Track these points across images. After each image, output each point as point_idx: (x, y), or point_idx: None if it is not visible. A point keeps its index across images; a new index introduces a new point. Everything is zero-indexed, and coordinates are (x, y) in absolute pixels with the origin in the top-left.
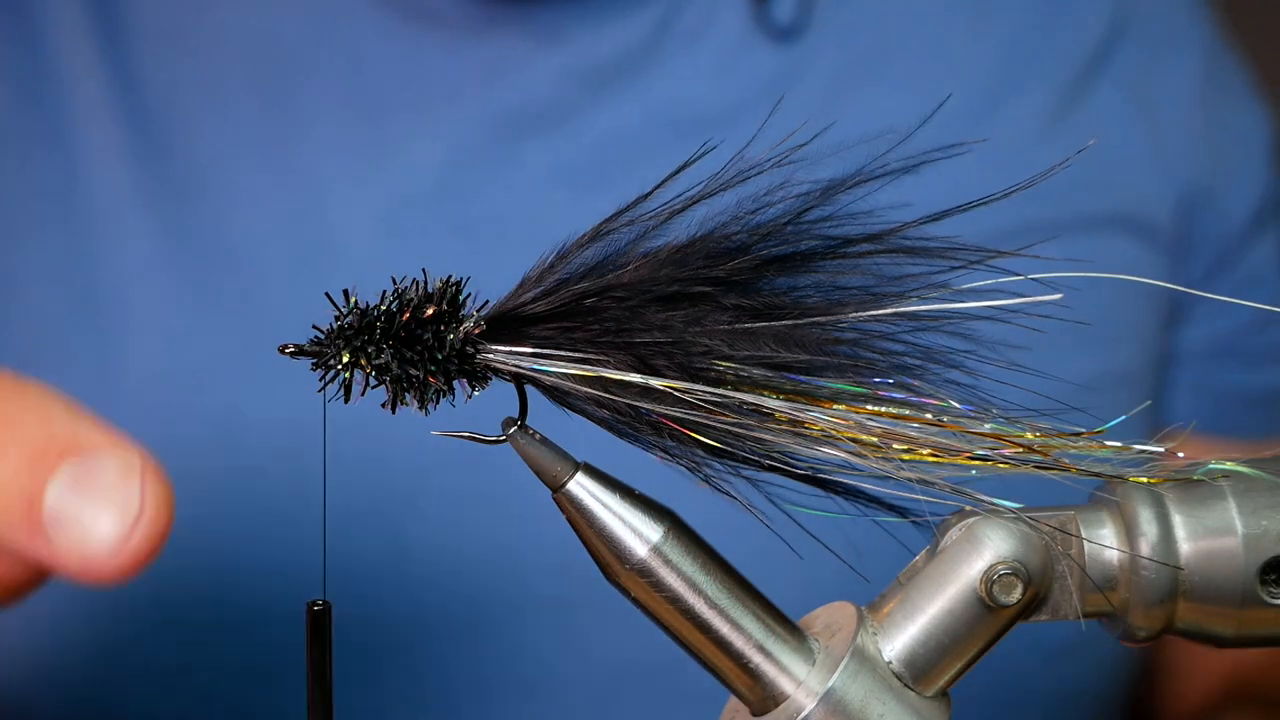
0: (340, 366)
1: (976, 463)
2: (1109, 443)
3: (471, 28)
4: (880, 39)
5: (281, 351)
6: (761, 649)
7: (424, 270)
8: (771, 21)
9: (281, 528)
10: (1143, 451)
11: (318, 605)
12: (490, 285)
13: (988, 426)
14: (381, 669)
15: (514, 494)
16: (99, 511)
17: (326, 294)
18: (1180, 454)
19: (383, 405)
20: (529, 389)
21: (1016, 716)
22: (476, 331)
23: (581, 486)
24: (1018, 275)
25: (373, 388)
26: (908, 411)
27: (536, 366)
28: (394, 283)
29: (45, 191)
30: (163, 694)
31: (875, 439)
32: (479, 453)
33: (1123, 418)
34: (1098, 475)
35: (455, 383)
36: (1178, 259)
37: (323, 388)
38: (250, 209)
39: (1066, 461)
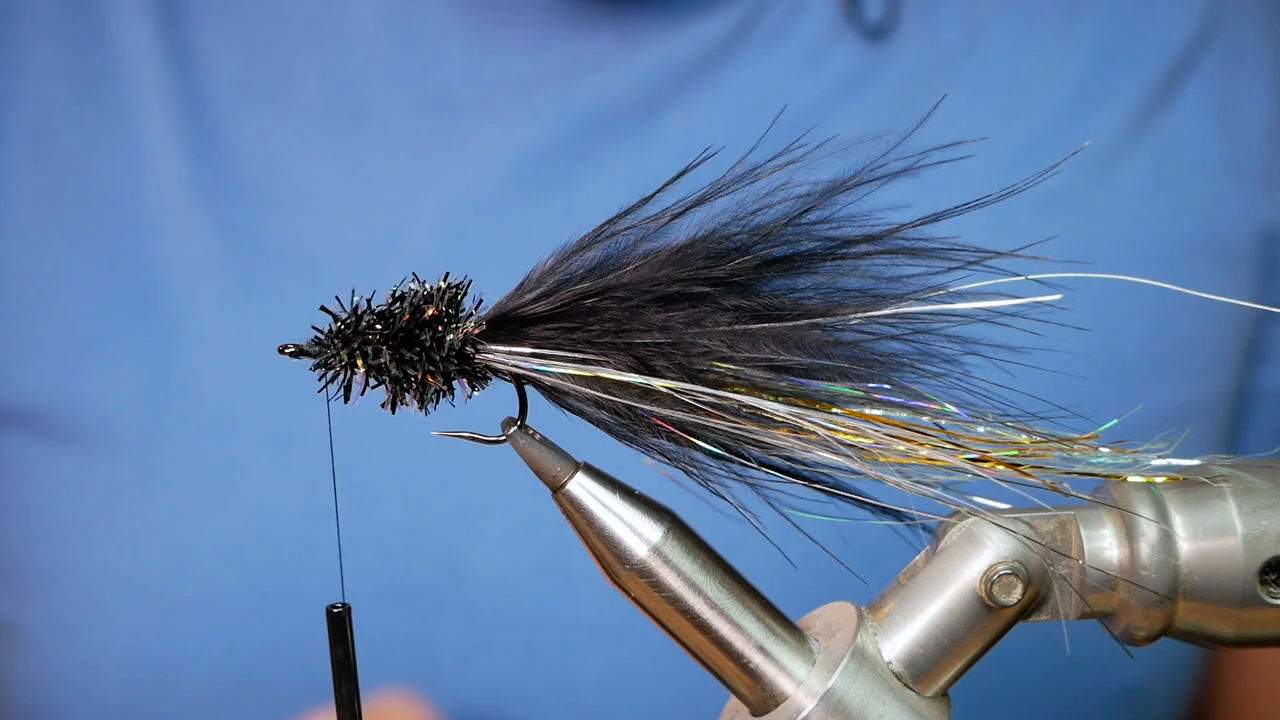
0: (340, 367)
1: (970, 465)
2: (1104, 448)
3: (547, 27)
4: (969, 38)
5: (281, 351)
6: (761, 649)
7: (414, 274)
8: (862, 19)
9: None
10: (1142, 453)
11: (336, 608)
12: None
13: (982, 430)
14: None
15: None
16: None
17: (326, 305)
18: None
19: (382, 405)
20: (529, 389)
21: None
22: (476, 332)
23: (581, 487)
24: (1017, 276)
25: (373, 388)
26: (904, 416)
27: (536, 367)
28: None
29: (101, 189)
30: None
31: (871, 442)
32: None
33: (1115, 421)
34: (1094, 476)
35: (455, 383)
36: (1262, 282)
37: (323, 388)
38: (311, 208)
39: (1063, 464)
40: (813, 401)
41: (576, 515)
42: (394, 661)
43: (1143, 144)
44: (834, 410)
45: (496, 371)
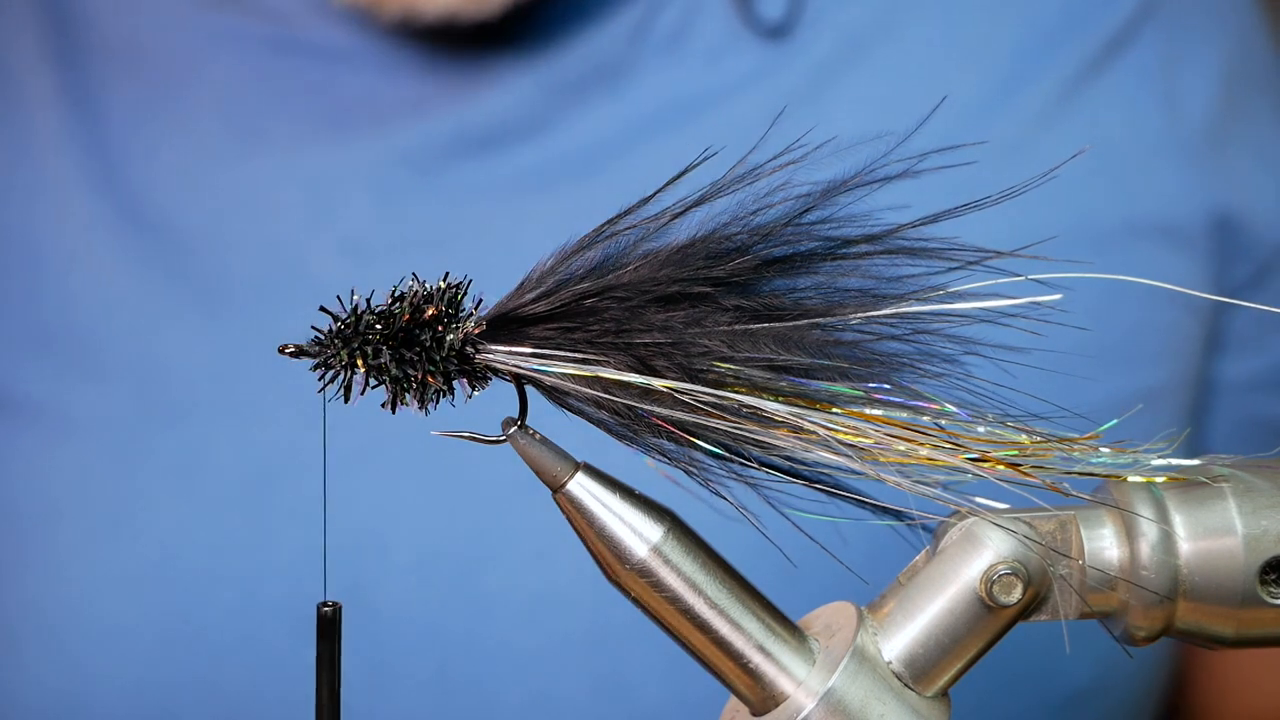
0: (340, 367)
1: (970, 465)
2: (1105, 448)
3: (439, 44)
4: (882, 23)
5: (281, 351)
6: (761, 649)
7: (413, 273)
8: (758, 20)
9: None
10: (1143, 453)
11: (327, 607)
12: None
13: (982, 429)
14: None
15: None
16: None
17: (325, 307)
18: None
19: (382, 405)
20: (529, 389)
21: None
22: (476, 332)
23: (581, 487)
24: (1018, 276)
25: (373, 388)
26: (904, 416)
27: (536, 367)
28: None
29: (5, 229)
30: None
31: (872, 442)
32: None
33: (1115, 421)
34: (1094, 475)
35: (455, 383)
36: (1219, 267)
37: (323, 388)
38: (215, 236)
39: (1063, 464)
40: (813, 401)
41: (576, 515)
42: (300, 689)
43: (1077, 121)
44: (834, 410)
45: (496, 371)
